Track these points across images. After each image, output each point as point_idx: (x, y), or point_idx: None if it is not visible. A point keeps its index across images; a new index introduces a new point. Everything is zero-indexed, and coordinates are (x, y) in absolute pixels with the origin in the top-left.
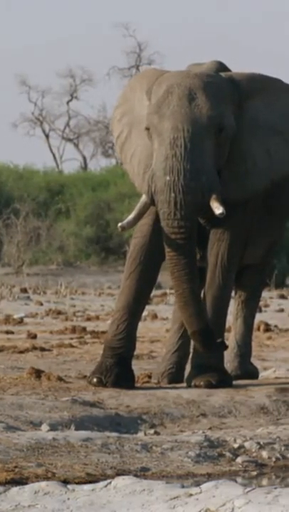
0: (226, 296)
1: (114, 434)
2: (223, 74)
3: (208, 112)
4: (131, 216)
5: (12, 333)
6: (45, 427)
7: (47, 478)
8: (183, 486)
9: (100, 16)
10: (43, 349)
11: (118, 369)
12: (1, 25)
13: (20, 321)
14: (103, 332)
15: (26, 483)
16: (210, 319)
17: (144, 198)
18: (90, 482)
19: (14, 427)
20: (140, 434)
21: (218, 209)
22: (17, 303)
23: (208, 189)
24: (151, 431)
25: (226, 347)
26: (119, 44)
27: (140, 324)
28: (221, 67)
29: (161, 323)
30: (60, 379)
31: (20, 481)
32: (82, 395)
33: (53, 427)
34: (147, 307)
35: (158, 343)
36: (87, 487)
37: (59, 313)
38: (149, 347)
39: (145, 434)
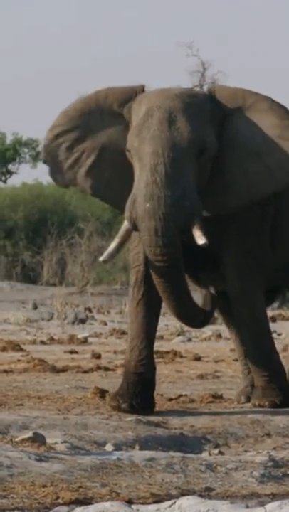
0: (262, 324)
1: (179, 454)
2: (205, 91)
3: (189, 136)
4: (112, 247)
5: (76, 352)
6: (109, 447)
7: (111, 498)
8: (247, 506)
9: (163, 36)
10: (107, 369)
11: (147, 393)
12: (73, 45)
13: (85, 341)
14: (167, 352)
15: (90, 503)
16: (255, 357)
17: (125, 224)
18: (155, 502)
19: (78, 447)
20: (204, 454)
21: (200, 239)
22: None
23: (191, 214)
24: (216, 451)
25: None
26: (183, 63)
27: (204, 344)
28: None
29: (226, 343)
30: None
31: (85, 501)
32: (146, 415)
33: (117, 447)
34: (211, 327)
35: (222, 362)
36: (151, 507)
37: (123, 333)
38: (213, 367)
39: (209, 454)
